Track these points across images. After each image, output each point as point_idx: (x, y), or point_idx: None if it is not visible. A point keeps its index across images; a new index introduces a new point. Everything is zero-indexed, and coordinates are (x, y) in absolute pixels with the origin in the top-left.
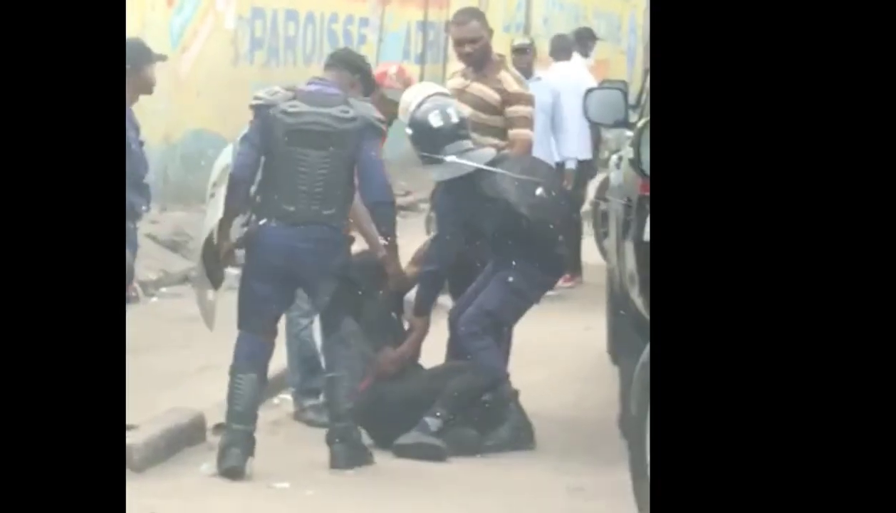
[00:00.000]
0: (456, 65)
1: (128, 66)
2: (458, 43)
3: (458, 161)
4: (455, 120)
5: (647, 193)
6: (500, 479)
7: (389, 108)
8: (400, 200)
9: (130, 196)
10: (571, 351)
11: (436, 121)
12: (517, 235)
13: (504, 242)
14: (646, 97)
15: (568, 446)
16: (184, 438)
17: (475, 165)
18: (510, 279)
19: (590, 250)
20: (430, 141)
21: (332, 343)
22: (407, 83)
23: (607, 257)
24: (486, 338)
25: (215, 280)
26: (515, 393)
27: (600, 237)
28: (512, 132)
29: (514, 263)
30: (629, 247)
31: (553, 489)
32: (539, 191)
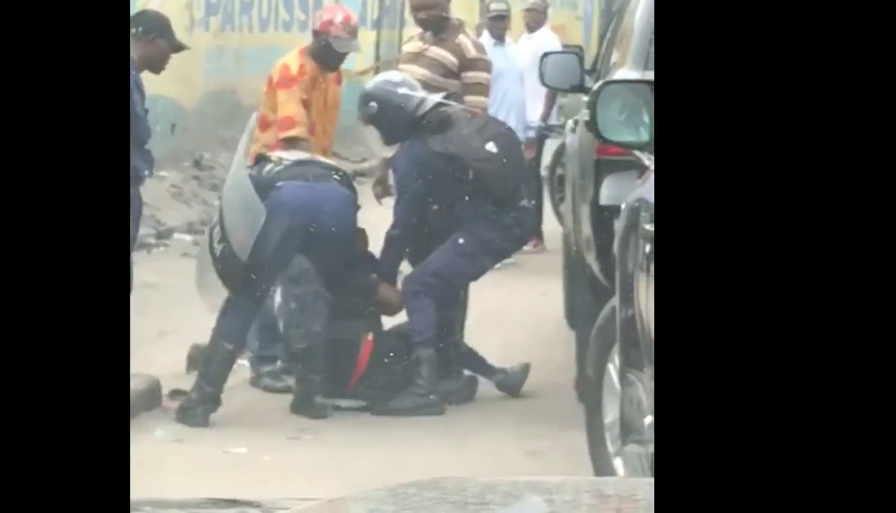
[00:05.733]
0: (412, 31)
1: (140, 29)
2: (415, 8)
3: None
4: (407, 77)
5: (603, 157)
6: (458, 442)
7: (336, 59)
8: (356, 167)
9: (134, 160)
10: (529, 316)
11: (396, 76)
12: (470, 192)
13: (460, 203)
14: (601, 64)
15: (525, 410)
16: (140, 403)
17: (438, 97)
18: (460, 241)
19: (547, 216)
20: (396, 99)
21: (281, 282)
22: (353, 32)
23: (563, 222)
24: (425, 299)
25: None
26: (474, 381)
27: (556, 202)
28: (468, 99)
29: (466, 224)
30: (585, 211)
31: (511, 453)
32: (489, 145)
